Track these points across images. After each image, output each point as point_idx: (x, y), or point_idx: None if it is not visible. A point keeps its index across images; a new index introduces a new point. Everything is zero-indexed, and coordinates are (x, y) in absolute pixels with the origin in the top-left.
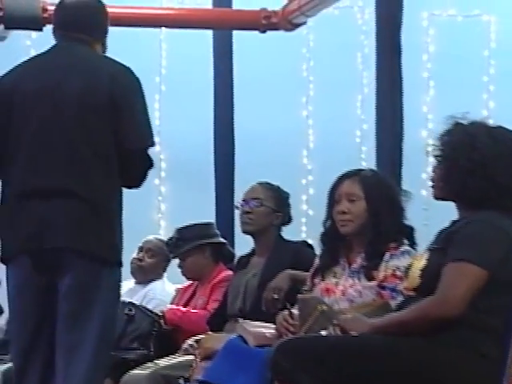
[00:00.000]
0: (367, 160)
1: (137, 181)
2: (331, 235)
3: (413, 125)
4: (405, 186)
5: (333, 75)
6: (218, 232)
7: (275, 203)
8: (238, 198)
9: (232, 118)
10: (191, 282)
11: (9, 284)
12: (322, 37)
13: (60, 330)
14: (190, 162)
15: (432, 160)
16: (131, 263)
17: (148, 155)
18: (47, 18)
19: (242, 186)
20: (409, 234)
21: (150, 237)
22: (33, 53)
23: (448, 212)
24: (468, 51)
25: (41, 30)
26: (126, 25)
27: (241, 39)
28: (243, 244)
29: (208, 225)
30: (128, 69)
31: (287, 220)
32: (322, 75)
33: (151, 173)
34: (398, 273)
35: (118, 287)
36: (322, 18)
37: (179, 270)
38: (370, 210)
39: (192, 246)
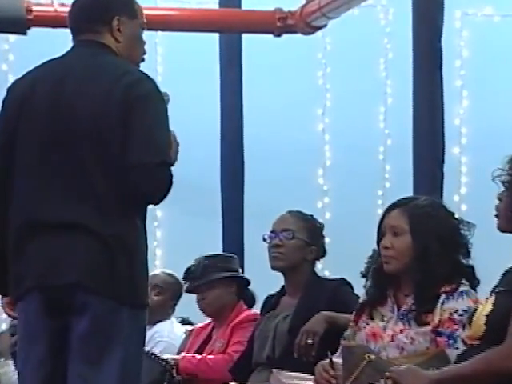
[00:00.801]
0: (392, 181)
1: (149, 201)
2: (379, 271)
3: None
4: None
5: (352, 84)
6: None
7: (308, 235)
8: (248, 223)
9: (241, 133)
10: (204, 324)
11: (19, 323)
12: (340, 40)
13: (73, 377)
14: (190, 182)
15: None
16: None
17: (160, 173)
18: (32, 19)
19: (251, 209)
20: (469, 274)
21: (157, 271)
22: (11, 58)
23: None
24: (507, 56)
25: (24, 33)
26: None
27: (248, 43)
28: (255, 280)
29: (234, 258)
30: (146, 77)
31: (321, 254)
32: (340, 84)
33: None
34: (456, 316)
35: (142, 331)
36: (340, 19)
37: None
38: (415, 246)
39: (220, 276)
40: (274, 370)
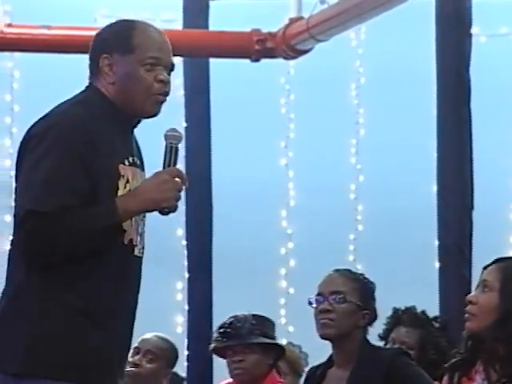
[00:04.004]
0: (365, 223)
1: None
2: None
3: None
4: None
5: (319, 112)
6: None
7: (361, 298)
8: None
9: (209, 171)
10: None
11: None
12: (306, 63)
13: None
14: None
15: None
16: None
17: (24, 227)
18: None
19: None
20: None
21: (149, 335)
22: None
23: None
24: (493, 79)
25: None
26: (61, 51)
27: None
28: None
29: (273, 324)
30: (51, 115)
31: (373, 318)
32: (306, 112)
33: None
34: None
35: None
36: None
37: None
38: (501, 308)
39: (267, 341)
40: None
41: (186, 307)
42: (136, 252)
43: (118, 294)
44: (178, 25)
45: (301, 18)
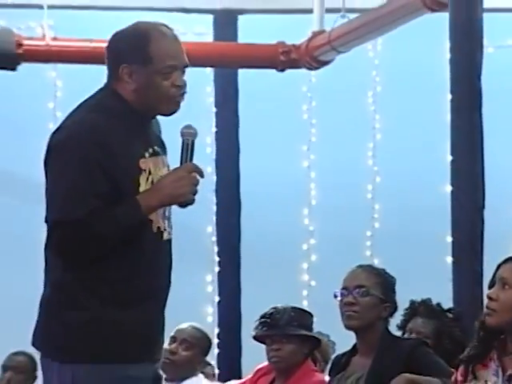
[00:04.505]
0: (381, 221)
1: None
2: (483, 326)
3: None
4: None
5: (338, 118)
6: None
7: (383, 291)
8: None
9: (238, 173)
10: (268, 367)
11: None
12: (326, 72)
13: None
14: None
15: None
16: None
17: (56, 234)
18: (22, 54)
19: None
20: None
21: (185, 325)
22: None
23: None
24: (501, 88)
25: (14, 69)
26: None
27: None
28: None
29: (312, 316)
30: (69, 124)
31: (394, 310)
32: (326, 118)
33: None
34: None
35: None
36: None
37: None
38: None
39: (304, 333)
40: None
41: (217, 299)
42: (165, 237)
43: (151, 278)
44: (209, 38)
45: (323, 31)
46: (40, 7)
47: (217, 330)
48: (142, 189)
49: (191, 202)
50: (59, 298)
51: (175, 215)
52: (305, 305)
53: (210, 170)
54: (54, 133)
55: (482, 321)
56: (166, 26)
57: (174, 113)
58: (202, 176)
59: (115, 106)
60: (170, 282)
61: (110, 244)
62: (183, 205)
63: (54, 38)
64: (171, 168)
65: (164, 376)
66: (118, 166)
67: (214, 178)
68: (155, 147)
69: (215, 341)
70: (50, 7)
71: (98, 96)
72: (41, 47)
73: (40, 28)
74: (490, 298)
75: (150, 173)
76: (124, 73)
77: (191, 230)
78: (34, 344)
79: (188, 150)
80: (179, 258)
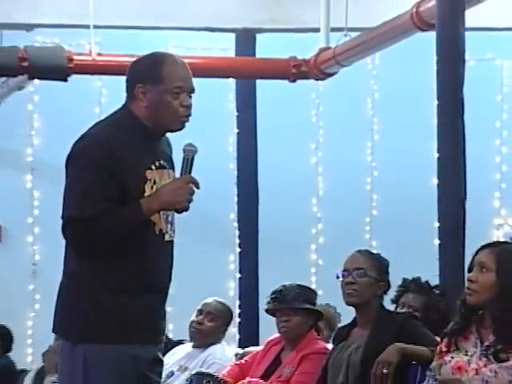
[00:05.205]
0: (378, 209)
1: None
2: (464, 304)
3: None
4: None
5: (342, 121)
6: None
7: (378, 272)
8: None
9: (256, 168)
10: (277, 338)
11: None
12: (332, 82)
13: None
14: (207, 213)
15: None
16: (190, 326)
17: (69, 229)
18: (72, 68)
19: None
20: None
21: (209, 299)
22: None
23: None
24: (480, 96)
25: (65, 80)
26: None
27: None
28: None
29: (316, 293)
30: (86, 136)
31: (387, 288)
32: (332, 121)
33: None
34: None
35: (90, 368)
36: None
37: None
38: (498, 285)
39: (307, 307)
40: None
41: (238, 275)
42: (167, 238)
43: (154, 272)
44: (231, 53)
45: (328, 47)
46: (87, 27)
47: (238, 303)
48: (146, 195)
49: (186, 209)
50: (74, 286)
51: (203, 205)
52: (313, 280)
53: (232, 166)
54: (76, 142)
55: (463, 299)
56: (177, 56)
57: (179, 130)
58: (197, 187)
59: (128, 122)
60: (170, 278)
61: (116, 240)
62: (179, 211)
63: (99, 54)
64: None
65: (192, 343)
66: (127, 174)
67: (236, 172)
68: (161, 161)
69: (236, 311)
70: (96, 27)
71: (116, 114)
72: (88, 62)
73: (87, 45)
74: (470, 281)
75: (154, 182)
76: (139, 92)
77: (216, 217)
78: (53, 329)
79: (188, 163)
80: (206, 240)
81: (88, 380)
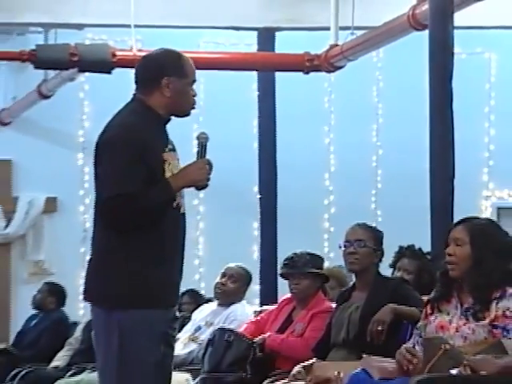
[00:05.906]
0: (382, 183)
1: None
2: (445, 274)
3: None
4: None
5: (351, 106)
6: None
7: (375, 243)
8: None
9: (274, 150)
10: (289, 298)
11: None
12: (341, 73)
13: None
14: (231, 186)
15: None
16: (215, 287)
17: (109, 206)
18: (116, 62)
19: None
20: None
21: (232, 264)
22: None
23: None
24: (471, 85)
25: (109, 72)
26: None
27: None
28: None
29: (322, 260)
30: (116, 127)
31: (381, 256)
32: (342, 106)
33: (190, 194)
34: (508, 313)
35: (124, 331)
36: None
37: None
38: (473, 256)
39: (315, 271)
40: (364, 355)
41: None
42: (182, 210)
43: (173, 243)
44: (254, 48)
45: (337, 44)
46: (129, 26)
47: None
48: (166, 174)
49: (205, 186)
50: (106, 260)
51: (230, 178)
52: (326, 245)
53: (255, 145)
54: (102, 134)
55: (442, 272)
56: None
57: (188, 115)
58: (211, 169)
59: (143, 111)
60: (184, 247)
61: (150, 215)
62: (200, 188)
63: (140, 50)
64: (180, 161)
65: (217, 301)
66: (152, 156)
67: (257, 151)
68: (170, 145)
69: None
70: (136, 26)
71: (130, 105)
72: (129, 56)
73: (129, 42)
74: (449, 255)
75: (169, 164)
76: (166, 83)
77: (242, 190)
78: (85, 298)
79: (202, 148)
80: (234, 210)
81: (123, 342)
